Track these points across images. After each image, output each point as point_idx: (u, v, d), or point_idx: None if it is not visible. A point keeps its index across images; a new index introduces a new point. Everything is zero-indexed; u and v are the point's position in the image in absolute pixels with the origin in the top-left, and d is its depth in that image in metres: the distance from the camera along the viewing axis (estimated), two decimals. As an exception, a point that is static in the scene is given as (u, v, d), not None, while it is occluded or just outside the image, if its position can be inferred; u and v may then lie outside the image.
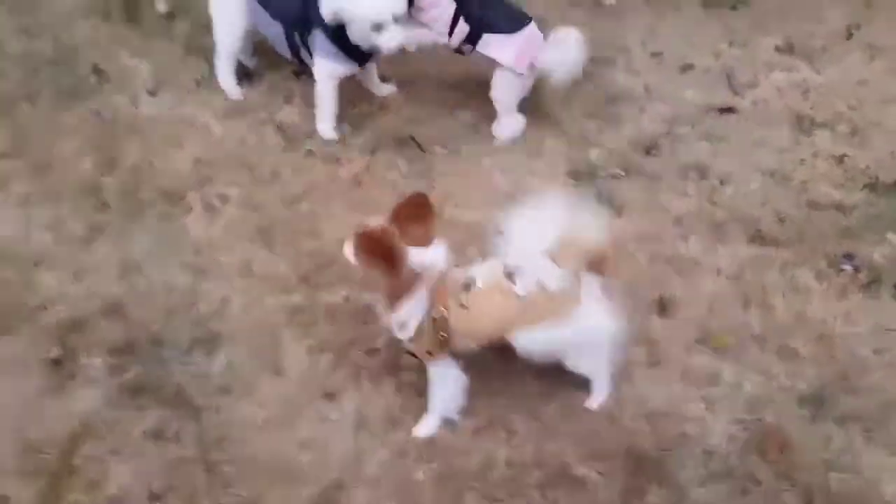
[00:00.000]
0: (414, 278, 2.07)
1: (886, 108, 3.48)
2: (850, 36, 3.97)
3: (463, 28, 3.06)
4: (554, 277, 2.04)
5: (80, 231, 2.88)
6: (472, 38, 3.08)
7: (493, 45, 3.07)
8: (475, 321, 2.11)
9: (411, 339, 2.14)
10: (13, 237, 2.85)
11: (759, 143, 3.29)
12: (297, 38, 3.16)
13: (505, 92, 3.19)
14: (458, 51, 3.17)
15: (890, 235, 2.89)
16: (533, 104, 3.39)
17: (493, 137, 3.30)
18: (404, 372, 2.41)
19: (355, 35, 2.95)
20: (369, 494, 2.16)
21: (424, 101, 3.45)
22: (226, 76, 3.48)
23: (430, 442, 2.26)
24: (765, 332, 2.56)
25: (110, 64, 3.64)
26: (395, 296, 2.09)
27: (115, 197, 3.01)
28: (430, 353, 2.16)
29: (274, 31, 3.24)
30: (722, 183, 3.09)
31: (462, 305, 2.09)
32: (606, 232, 2.14)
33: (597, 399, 2.33)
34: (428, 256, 2.09)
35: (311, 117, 3.31)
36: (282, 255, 2.80)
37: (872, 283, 2.72)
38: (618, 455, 2.23)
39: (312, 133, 3.29)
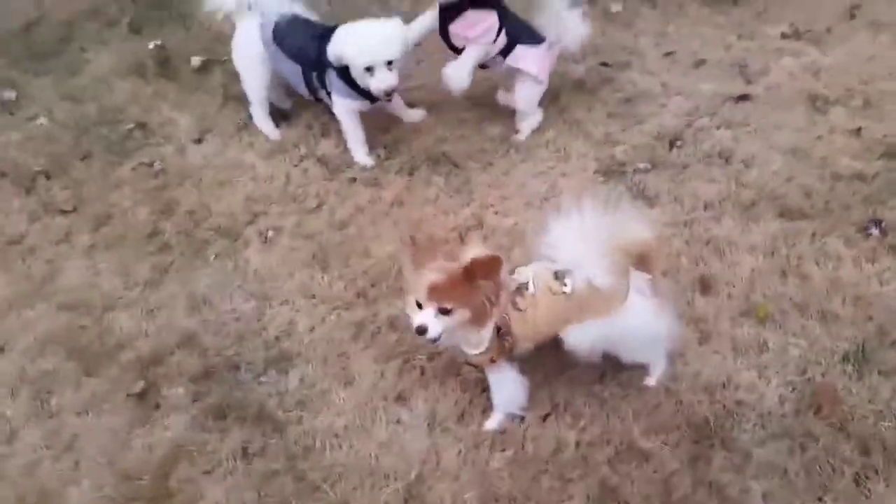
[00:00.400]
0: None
1: (892, 76, 3.61)
2: (852, 16, 4.14)
3: (502, 39, 3.27)
4: (601, 275, 2.14)
5: (146, 273, 3.07)
6: (506, 50, 3.29)
7: (522, 57, 3.30)
8: (531, 323, 2.22)
9: (484, 352, 2.23)
10: (83, 286, 3.05)
11: (778, 126, 3.43)
12: (314, 78, 3.39)
13: (529, 98, 3.41)
14: (483, 66, 3.35)
15: (911, 199, 3.00)
16: (557, 110, 3.58)
17: (520, 142, 3.48)
18: (467, 371, 2.54)
19: (355, 76, 3.19)
20: (450, 486, 2.29)
21: (453, 121, 3.64)
22: (262, 120, 3.69)
23: (502, 432, 2.39)
24: (804, 299, 2.67)
25: (153, 118, 3.88)
26: (486, 314, 2.16)
27: (176, 239, 3.20)
28: (492, 360, 2.27)
29: (293, 74, 3.47)
30: (746, 166, 3.23)
31: (518, 309, 2.20)
32: (650, 229, 2.26)
33: (654, 377, 2.45)
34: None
35: (348, 148, 3.51)
36: (338, 276, 2.97)
37: (899, 245, 2.84)
38: (680, 426, 2.35)
39: (351, 162, 3.48)
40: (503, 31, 3.27)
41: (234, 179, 3.47)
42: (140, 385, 2.63)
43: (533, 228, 2.36)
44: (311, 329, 2.78)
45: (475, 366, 2.37)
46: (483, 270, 2.07)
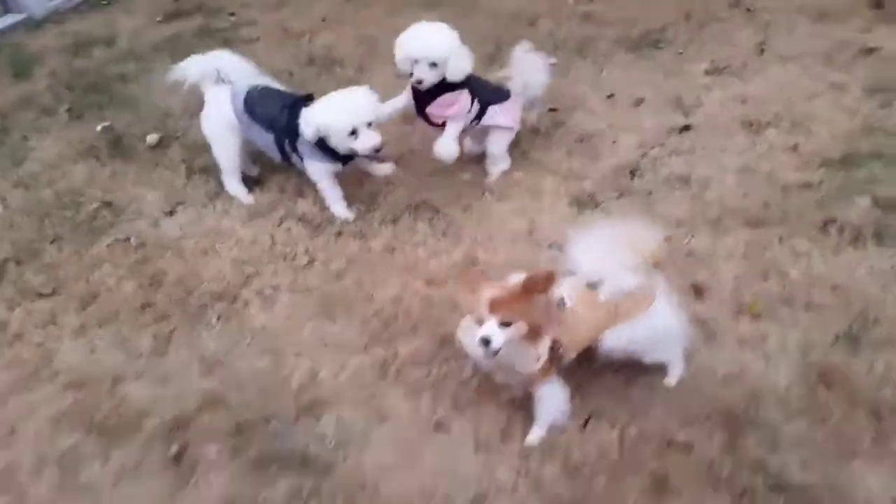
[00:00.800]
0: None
1: (813, 102, 4.03)
2: (761, 51, 4.59)
3: (475, 107, 3.50)
4: (630, 280, 2.32)
5: (148, 344, 3.03)
6: (480, 115, 3.53)
7: (496, 115, 3.55)
8: (575, 334, 2.37)
9: (541, 366, 2.33)
10: (84, 363, 2.98)
11: (722, 149, 3.75)
12: (286, 145, 3.50)
13: (502, 146, 3.64)
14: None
15: (856, 199, 3.34)
16: (519, 153, 3.80)
17: (492, 185, 3.68)
18: (501, 392, 2.64)
19: (334, 143, 3.32)
20: (511, 499, 2.36)
21: (423, 171, 3.78)
22: (235, 187, 3.74)
23: (547, 444, 2.49)
24: (789, 294, 2.93)
25: (118, 197, 3.86)
26: (541, 329, 2.27)
27: (171, 308, 3.17)
28: (545, 373, 2.38)
29: (264, 141, 3.56)
30: (704, 187, 3.51)
31: (561, 323, 2.33)
32: (659, 233, 2.47)
33: (674, 376, 2.62)
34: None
35: (326, 206, 3.59)
36: (347, 324, 3.02)
37: (856, 238, 3.15)
38: (710, 415, 2.52)
39: (332, 218, 3.56)
40: (475, 101, 3.49)
41: (217, 246, 3.48)
42: (173, 449, 2.59)
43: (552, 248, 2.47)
44: (335, 375, 2.82)
45: (518, 385, 2.48)
46: (539, 285, 2.20)
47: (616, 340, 2.40)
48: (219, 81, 3.59)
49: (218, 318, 3.11)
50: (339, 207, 3.58)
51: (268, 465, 2.52)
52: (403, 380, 2.77)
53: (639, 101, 4.22)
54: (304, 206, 3.66)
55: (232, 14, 5.82)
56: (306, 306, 3.13)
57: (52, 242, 3.59)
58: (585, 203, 3.51)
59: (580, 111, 4.18)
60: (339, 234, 3.48)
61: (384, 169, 3.81)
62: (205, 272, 3.34)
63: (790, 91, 4.14)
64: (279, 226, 3.57)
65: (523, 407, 2.57)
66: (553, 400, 2.46)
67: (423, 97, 3.47)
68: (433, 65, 3.31)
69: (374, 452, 2.54)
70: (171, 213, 3.72)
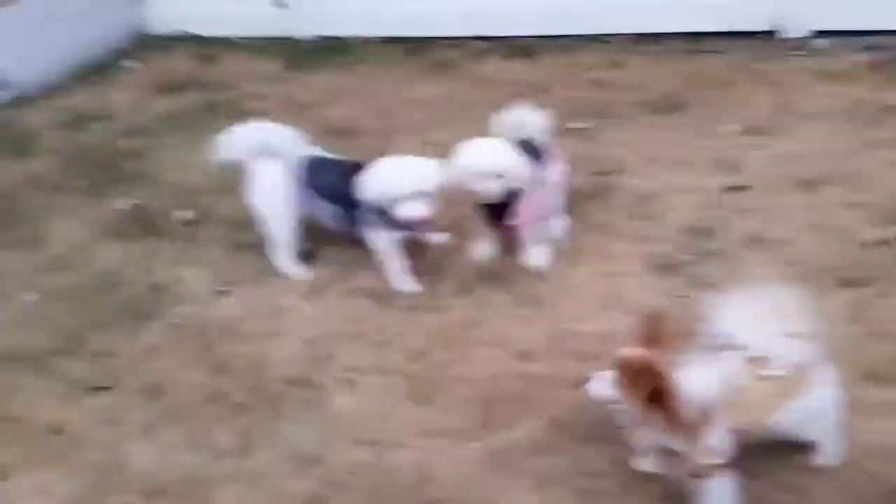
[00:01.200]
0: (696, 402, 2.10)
1: (856, 158, 4.04)
2: (786, 111, 4.62)
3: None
4: (798, 351, 2.19)
5: (228, 441, 2.77)
6: None
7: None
8: (750, 418, 2.19)
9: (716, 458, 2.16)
10: (163, 467, 2.69)
11: (785, 207, 3.70)
12: (350, 215, 3.35)
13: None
14: None
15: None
16: (578, 218, 3.69)
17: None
18: (645, 483, 2.45)
19: (388, 206, 3.18)
20: None
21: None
22: (290, 263, 3.54)
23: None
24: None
25: (160, 277, 3.63)
26: (685, 424, 2.09)
27: (246, 397, 2.93)
28: (721, 467, 2.19)
29: (327, 212, 3.41)
30: (782, 245, 3.44)
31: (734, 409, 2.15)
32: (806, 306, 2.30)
33: (828, 454, 2.43)
34: (700, 376, 2.14)
35: (388, 279, 3.42)
36: (445, 408, 2.82)
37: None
38: (882, 496, 2.37)
39: (399, 291, 3.38)
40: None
41: (282, 326, 3.26)
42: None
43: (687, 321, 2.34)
44: (448, 468, 2.58)
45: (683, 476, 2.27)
46: (634, 375, 2.08)
47: (789, 420, 2.24)
48: (265, 154, 3.42)
49: (300, 407, 2.88)
50: (403, 280, 3.41)
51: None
52: (527, 471, 2.55)
53: (682, 163, 4.18)
54: (366, 279, 3.47)
55: (231, 87, 5.66)
56: (394, 389, 2.92)
57: (96, 330, 3.31)
58: (664, 266, 3.40)
59: (627, 174, 4.12)
60: (412, 308, 3.30)
61: (439, 238, 3.66)
62: (275, 355, 3.11)
63: (830, 148, 4.14)
64: (344, 302, 3.37)
65: (668, 497, 2.40)
66: (724, 494, 2.24)
67: (493, 210, 3.37)
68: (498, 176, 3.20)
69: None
70: (224, 292, 3.48)
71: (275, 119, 4.83)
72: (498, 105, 4.75)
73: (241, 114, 5.02)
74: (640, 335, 2.17)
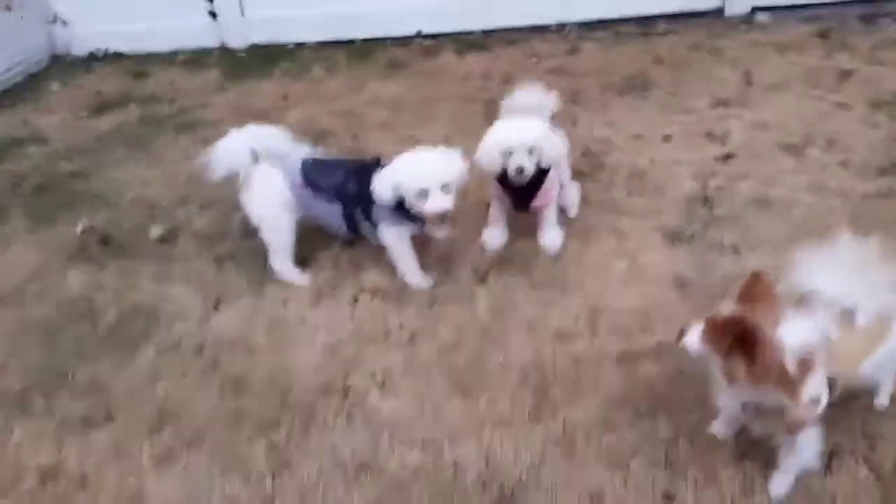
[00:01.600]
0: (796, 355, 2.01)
1: (829, 120, 4.10)
2: (749, 83, 4.67)
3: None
4: (881, 302, 2.13)
5: (263, 461, 2.51)
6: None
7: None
8: (843, 368, 2.12)
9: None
10: (188, 496, 2.42)
11: (778, 171, 3.69)
12: (356, 213, 3.16)
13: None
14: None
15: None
16: (584, 199, 3.59)
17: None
18: (717, 447, 2.36)
19: (408, 203, 3.01)
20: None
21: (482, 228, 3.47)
22: (288, 269, 3.29)
23: (802, 492, 2.21)
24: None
25: (141, 299, 3.28)
26: (785, 379, 1.99)
27: (275, 412, 2.67)
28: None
29: (328, 213, 3.20)
30: (787, 206, 3.42)
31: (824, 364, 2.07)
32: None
33: (887, 395, 2.43)
34: (798, 329, 2.04)
35: (394, 276, 3.22)
36: (494, 399, 2.63)
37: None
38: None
39: (408, 287, 3.19)
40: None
41: (294, 334, 3.01)
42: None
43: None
44: (515, 458, 2.41)
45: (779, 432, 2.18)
46: (721, 333, 1.99)
47: (874, 367, 2.19)
48: (261, 158, 3.18)
49: (336, 416, 2.63)
50: (415, 275, 3.20)
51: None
52: (596, 451, 2.40)
53: (666, 138, 4.14)
54: (370, 278, 3.25)
55: (171, 101, 5.31)
56: (436, 385, 2.72)
57: (78, 361, 2.96)
58: (679, 236, 3.32)
59: (614, 152, 4.04)
60: (432, 302, 3.09)
61: (442, 231, 3.47)
62: (295, 366, 2.85)
63: (803, 114, 4.19)
64: (355, 303, 3.14)
65: (747, 454, 2.29)
66: (812, 444, 2.17)
67: (522, 192, 3.21)
68: (530, 151, 3.06)
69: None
70: (217, 307, 3.18)
71: (231, 126, 4.62)
72: (463, 97, 4.73)
73: (191, 125, 4.79)
74: (739, 295, 2.06)
